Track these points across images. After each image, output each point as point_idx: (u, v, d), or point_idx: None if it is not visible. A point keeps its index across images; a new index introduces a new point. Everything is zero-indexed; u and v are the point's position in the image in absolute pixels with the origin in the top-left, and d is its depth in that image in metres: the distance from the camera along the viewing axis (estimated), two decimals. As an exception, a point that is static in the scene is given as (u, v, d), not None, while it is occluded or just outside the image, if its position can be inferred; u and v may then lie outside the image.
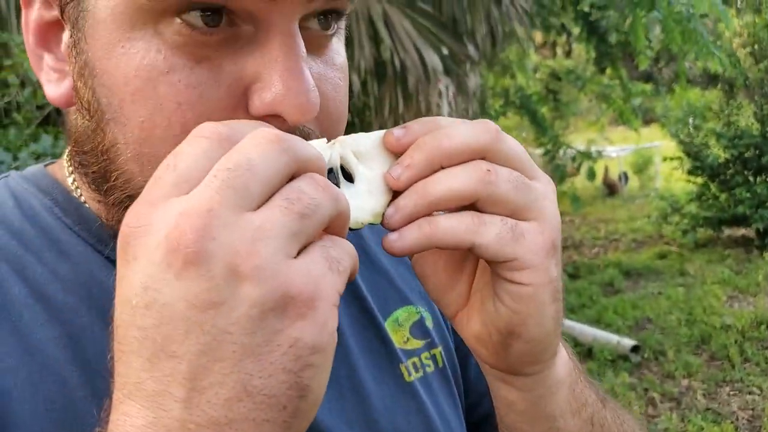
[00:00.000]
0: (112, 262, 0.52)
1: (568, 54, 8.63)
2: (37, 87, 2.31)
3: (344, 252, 0.38)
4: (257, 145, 0.36)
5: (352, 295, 0.64)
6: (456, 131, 0.43)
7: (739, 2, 9.50)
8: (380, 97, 3.80)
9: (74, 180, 0.57)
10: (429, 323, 0.66)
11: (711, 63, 6.33)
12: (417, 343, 0.65)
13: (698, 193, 8.51)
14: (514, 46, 5.65)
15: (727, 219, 8.08)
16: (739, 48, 9.18)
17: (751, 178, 8.10)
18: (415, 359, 0.64)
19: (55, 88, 0.51)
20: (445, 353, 0.67)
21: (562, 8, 6.87)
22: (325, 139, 0.44)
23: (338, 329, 0.55)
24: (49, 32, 0.51)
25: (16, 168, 1.94)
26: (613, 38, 6.43)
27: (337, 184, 0.41)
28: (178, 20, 0.44)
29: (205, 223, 0.34)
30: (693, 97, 10.56)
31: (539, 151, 8.61)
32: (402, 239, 0.42)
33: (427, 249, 0.44)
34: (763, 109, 8.09)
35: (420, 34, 3.70)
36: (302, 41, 0.46)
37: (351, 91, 3.50)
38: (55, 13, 0.50)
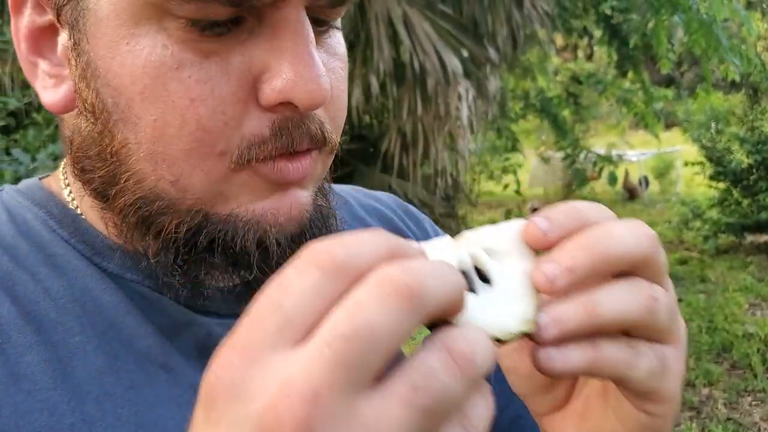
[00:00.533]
0: (109, 275, 0.51)
1: (589, 57, 8.58)
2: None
3: None
4: (383, 302, 0.28)
5: None
6: (617, 233, 0.36)
7: (764, 5, 9.39)
8: (399, 99, 3.78)
9: (70, 192, 0.55)
10: None
11: (732, 69, 6.25)
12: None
13: (720, 199, 8.41)
14: (535, 48, 5.61)
15: (750, 225, 7.98)
16: (764, 51, 9.06)
17: (774, 185, 8.00)
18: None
19: (52, 94, 0.49)
20: None
21: (584, 11, 6.82)
22: (448, 237, 0.37)
23: None
24: (42, 37, 0.49)
25: (34, 169, 1.95)
26: (634, 41, 6.38)
27: (472, 289, 0.35)
28: (182, 19, 0.43)
29: (307, 412, 0.27)
30: (716, 101, 10.45)
31: (560, 154, 8.56)
32: (565, 360, 0.35)
33: (579, 374, 0.38)
34: (788, 114, 8.00)
35: (440, 37, 3.68)
36: (311, 28, 0.45)
37: (369, 92, 3.49)
38: (49, 17, 0.48)
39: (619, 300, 0.35)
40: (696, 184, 9.39)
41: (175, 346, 0.51)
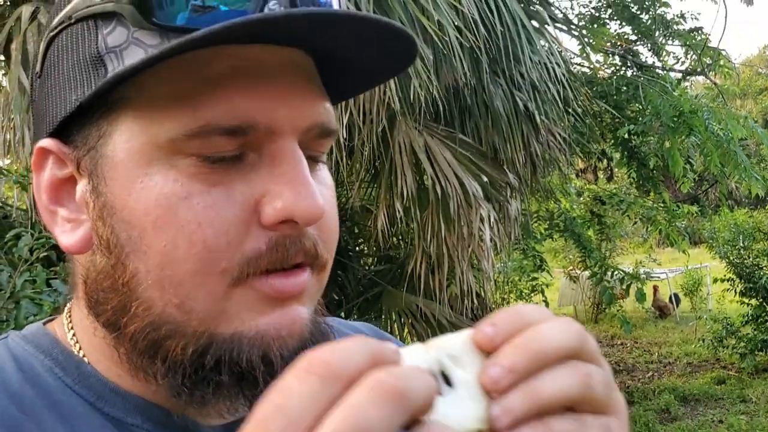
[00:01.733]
0: (111, 419, 0.54)
1: (609, 178, 8.76)
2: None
3: None
4: (375, 401, 0.32)
5: None
6: (549, 332, 0.41)
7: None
8: (423, 222, 3.92)
9: (74, 335, 0.58)
10: None
11: (753, 187, 6.36)
12: None
13: (754, 315, 8.26)
14: (556, 172, 5.79)
15: (787, 342, 7.80)
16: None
17: (808, 301, 7.88)
18: None
19: (70, 237, 0.53)
20: None
21: (601, 135, 7.06)
22: (419, 344, 0.42)
23: None
24: (62, 188, 0.54)
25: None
26: (653, 163, 6.55)
27: (439, 392, 0.39)
28: (194, 159, 0.49)
29: None
30: (740, 217, 10.47)
31: (587, 273, 8.55)
32: None
33: None
34: (815, 230, 7.99)
35: (460, 164, 3.86)
36: (304, 158, 0.51)
37: (394, 217, 3.60)
38: (69, 170, 0.54)
39: (557, 381, 0.39)
40: (727, 300, 9.25)
41: None
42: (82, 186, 0.53)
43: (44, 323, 0.62)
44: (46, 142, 0.54)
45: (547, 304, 7.99)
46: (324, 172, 0.57)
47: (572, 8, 12.88)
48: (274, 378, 0.44)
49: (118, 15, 0.49)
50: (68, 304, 0.61)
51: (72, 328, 0.59)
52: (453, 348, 0.40)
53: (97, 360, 0.56)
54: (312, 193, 0.50)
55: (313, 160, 0.55)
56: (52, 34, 0.53)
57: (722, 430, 5.91)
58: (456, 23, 3.54)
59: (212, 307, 0.50)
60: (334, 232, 0.56)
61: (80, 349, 0.57)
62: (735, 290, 8.48)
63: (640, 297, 7.44)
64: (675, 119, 5.94)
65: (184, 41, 0.45)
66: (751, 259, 8.46)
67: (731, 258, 8.53)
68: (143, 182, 0.49)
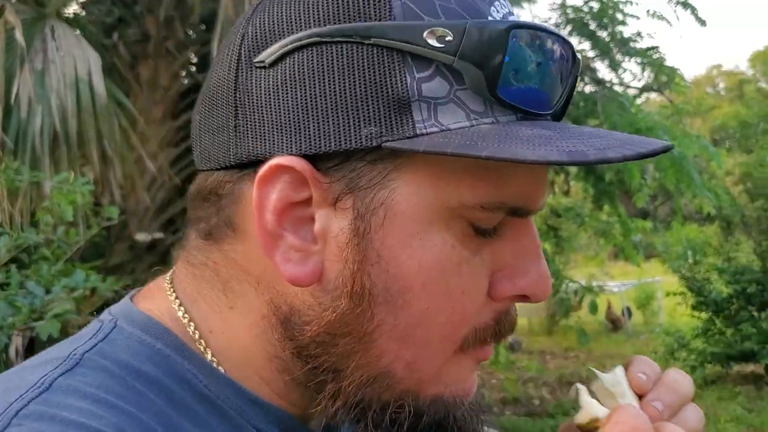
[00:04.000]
0: (254, 429, 0.53)
1: (566, 192, 8.91)
2: (71, 227, 2.42)
3: None
4: None
5: None
6: (682, 380, 0.54)
7: (727, 143, 9.94)
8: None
9: (200, 336, 0.54)
10: None
11: (704, 204, 6.55)
12: None
13: (704, 329, 8.51)
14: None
15: (735, 355, 8.03)
16: (733, 186, 9.50)
17: (755, 314, 8.15)
18: None
19: (299, 267, 0.49)
20: None
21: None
22: (621, 370, 0.55)
23: None
24: (293, 212, 0.50)
25: (50, 301, 1.99)
26: (609, 177, 6.68)
27: None
28: (463, 220, 0.48)
29: None
30: (691, 233, 10.79)
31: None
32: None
33: None
34: (762, 245, 8.28)
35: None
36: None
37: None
38: (306, 195, 0.49)
39: (693, 416, 0.53)
40: (678, 314, 9.51)
41: None
42: (329, 220, 0.49)
43: (137, 306, 0.55)
44: (296, 163, 0.48)
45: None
46: None
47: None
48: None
49: (446, 65, 0.46)
50: (163, 291, 0.56)
51: (196, 328, 0.54)
52: (620, 383, 0.53)
53: (234, 366, 0.53)
54: (548, 275, 0.52)
55: None
56: (314, 35, 0.47)
57: (675, 441, 6.03)
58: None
59: (435, 370, 0.51)
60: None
61: (206, 348, 0.53)
62: (686, 304, 8.71)
63: (593, 308, 7.59)
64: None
65: (523, 159, 0.44)
66: (702, 273, 8.71)
67: (683, 272, 8.78)
68: (422, 240, 0.48)
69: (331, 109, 0.47)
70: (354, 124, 0.46)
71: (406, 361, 0.50)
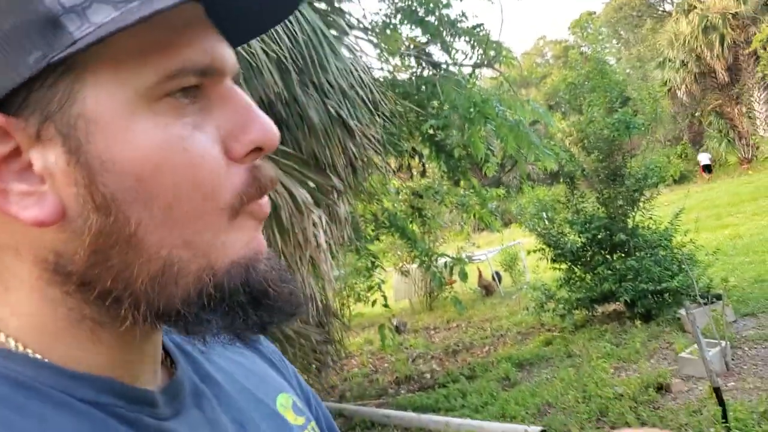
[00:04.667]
0: (89, 403, 0.52)
1: (423, 173, 9.26)
2: None
3: None
4: None
5: (249, 393, 0.69)
6: None
7: (563, 108, 10.71)
8: (258, 236, 3.95)
9: (7, 336, 0.53)
10: (299, 404, 0.75)
11: (546, 163, 7.07)
12: (301, 420, 0.72)
13: (566, 278, 9.10)
14: (375, 173, 6.04)
15: (597, 297, 8.66)
16: (572, 145, 10.20)
17: (608, 257, 8.82)
18: (307, 430, 0.72)
19: (39, 210, 0.49)
20: (317, 425, 0.76)
21: (410, 134, 7.46)
22: None
23: (254, 419, 0.65)
24: (11, 165, 0.50)
25: None
26: (458, 153, 7.03)
27: None
28: (167, 98, 0.50)
29: None
30: (541, 193, 11.51)
31: (415, 265, 8.97)
32: None
33: None
34: (604, 194, 8.97)
35: (285, 173, 3.94)
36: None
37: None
38: (11, 144, 0.49)
39: None
40: (541, 269, 10.11)
41: None
42: (43, 155, 0.49)
43: None
44: None
45: (386, 299, 8.28)
46: None
47: (365, 17, 13.37)
48: (275, 287, 0.54)
49: None
50: None
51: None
52: None
53: (42, 345, 0.52)
54: (270, 123, 0.55)
55: None
56: None
57: (556, 384, 6.47)
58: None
59: (213, 240, 0.52)
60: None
61: (7, 337, 0.52)
62: (547, 258, 9.29)
63: (463, 276, 7.95)
64: (470, 110, 6.44)
65: (156, 10, 0.46)
66: (555, 228, 9.32)
67: (539, 230, 9.34)
68: (134, 132, 0.49)
69: None
70: (18, 57, 0.47)
71: (183, 241, 0.51)
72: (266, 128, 0.54)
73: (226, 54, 0.54)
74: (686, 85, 31.51)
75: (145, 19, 0.46)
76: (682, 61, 31.24)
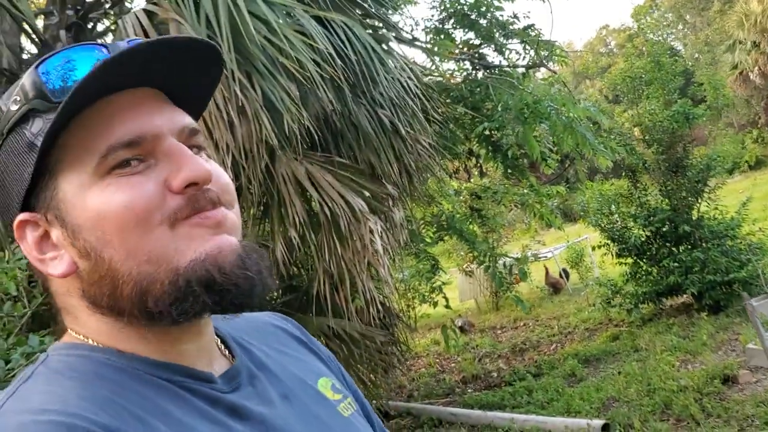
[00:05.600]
0: (173, 383, 0.71)
1: (481, 174, 9.36)
2: (16, 301, 2.60)
3: None
4: None
5: (294, 375, 0.88)
6: None
7: (624, 99, 10.60)
8: (318, 244, 4.18)
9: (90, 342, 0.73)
10: (338, 386, 0.93)
11: (602, 159, 7.09)
12: (339, 396, 0.90)
13: (632, 273, 9.04)
14: (431, 177, 6.21)
15: (663, 291, 8.60)
16: (638, 137, 10.08)
17: (673, 249, 8.72)
18: (343, 404, 0.89)
19: (59, 267, 0.71)
20: (354, 402, 0.93)
21: (465, 137, 7.60)
22: None
23: (298, 397, 0.85)
24: (42, 242, 0.72)
25: (11, 370, 2.17)
26: (513, 152, 7.13)
27: None
28: (116, 170, 0.69)
29: None
30: (604, 187, 11.40)
31: (477, 265, 9.06)
32: None
33: None
34: (666, 186, 8.87)
35: (342, 184, 4.16)
36: (184, 146, 0.72)
37: (291, 245, 3.85)
38: (42, 228, 0.72)
39: None
40: (608, 264, 10.04)
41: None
42: (56, 232, 0.71)
43: (63, 346, 0.75)
44: (21, 216, 0.72)
45: (447, 301, 8.42)
46: (205, 155, 0.77)
47: (417, 24, 13.53)
48: (234, 281, 0.69)
49: (31, 111, 0.69)
50: (64, 336, 0.77)
51: (86, 338, 0.74)
52: None
53: (126, 347, 0.72)
54: (200, 163, 0.71)
55: (197, 149, 0.75)
56: None
57: (620, 378, 6.49)
58: (313, 58, 3.86)
59: (166, 250, 0.68)
60: (229, 183, 0.76)
61: (98, 343, 0.73)
62: (612, 253, 9.24)
63: (523, 275, 8.01)
64: (523, 111, 6.54)
65: (63, 107, 0.66)
66: (619, 222, 9.26)
67: (603, 225, 9.30)
68: (90, 200, 0.69)
69: (13, 178, 0.72)
70: (21, 174, 0.71)
71: (145, 259, 0.68)
72: (194, 168, 0.70)
73: (159, 122, 0.72)
74: (759, 67, 30.30)
75: (56, 125, 0.67)
76: (754, 42, 30.03)
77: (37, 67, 0.71)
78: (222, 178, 0.75)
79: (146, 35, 3.87)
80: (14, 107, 0.71)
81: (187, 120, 0.75)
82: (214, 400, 0.72)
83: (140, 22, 3.94)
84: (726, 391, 5.58)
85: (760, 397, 5.17)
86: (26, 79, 0.71)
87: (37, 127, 0.69)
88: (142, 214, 0.67)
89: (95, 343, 0.73)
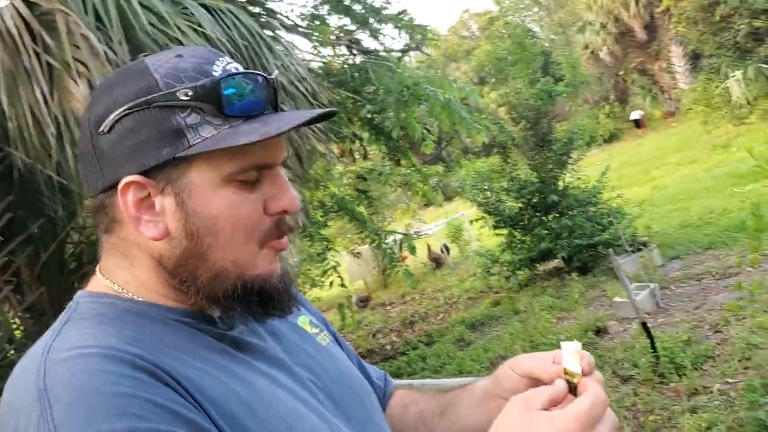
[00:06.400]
0: (186, 323, 0.85)
1: (365, 157, 9.60)
2: None
3: None
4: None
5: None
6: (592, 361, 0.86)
7: (491, 80, 11.18)
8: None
9: (123, 290, 0.86)
10: (314, 321, 1.13)
11: (477, 137, 7.55)
12: (316, 330, 1.10)
13: (508, 242, 9.64)
14: (319, 161, 6.36)
15: (537, 257, 9.23)
16: (506, 115, 10.68)
17: (544, 218, 9.38)
18: (320, 336, 1.09)
19: (154, 231, 0.82)
20: (329, 334, 1.14)
21: (348, 120, 7.81)
22: (577, 344, 0.85)
23: (283, 333, 1.05)
24: (143, 203, 0.82)
25: None
26: (396, 134, 7.41)
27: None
28: (237, 182, 0.83)
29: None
30: (478, 165, 12.02)
31: (366, 246, 9.34)
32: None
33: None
34: (534, 160, 9.50)
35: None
36: (285, 175, 0.87)
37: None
38: (146, 192, 0.82)
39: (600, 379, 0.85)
40: (485, 236, 10.63)
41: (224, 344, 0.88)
42: (162, 201, 0.82)
43: (92, 294, 0.88)
44: (136, 177, 0.81)
45: (342, 280, 8.64)
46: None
47: (292, 10, 13.52)
48: (279, 293, 0.87)
49: (193, 107, 0.80)
50: (97, 277, 0.89)
51: (120, 287, 0.87)
52: (575, 353, 0.84)
53: (147, 295, 0.87)
54: (294, 195, 0.86)
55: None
56: (126, 109, 0.81)
57: (506, 338, 6.99)
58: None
59: (249, 262, 0.84)
60: (298, 212, 0.91)
61: (127, 292, 0.87)
62: (488, 226, 9.80)
63: (411, 249, 8.37)
64: (403, 93, 6.84)
65: (238, 144, 0.78)
66: (493, 196, 9.83)
67: (479, 200, 9.84)
68: (214, 196, 0.82)
69: (144, 145, 0.80)
70: (157, 150, 0.80)
71: (231, 260, 0.83)
72: (291, 200, 0.86)
73: (279, 154, 0.87)
74: (608, 47, 32.63)
75: (231, 148, 0.80)
76: (602, 24, 32.28)
77: (223, 78, 0.82)
78: (297, 204, 0.89)
79: (28, 27, 3.77)
80: (183, 97, 0.80)
81: (285, 152, 0.90)
82: (219, 335, 0.88)
83: (19, 13, 3.82)
84: (599, 341, 6.17)
85: (627, 344, 5.77)
86: (207, 83, 0.81)
87: (193, 121, 0.80)
88: (248, 229, 0.83)
89: (126, 292, 0.87)
